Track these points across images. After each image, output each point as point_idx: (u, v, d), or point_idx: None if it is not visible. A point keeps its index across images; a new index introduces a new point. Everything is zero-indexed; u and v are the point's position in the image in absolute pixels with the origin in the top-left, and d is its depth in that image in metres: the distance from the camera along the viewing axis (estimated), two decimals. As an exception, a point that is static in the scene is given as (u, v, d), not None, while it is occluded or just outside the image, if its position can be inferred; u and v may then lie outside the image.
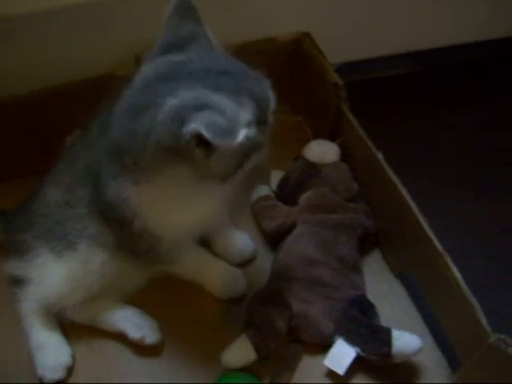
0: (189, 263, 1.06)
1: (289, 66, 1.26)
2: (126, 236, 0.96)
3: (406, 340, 0.97)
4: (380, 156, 1.09)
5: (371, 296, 1.07)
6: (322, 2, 1.31)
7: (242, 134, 0.77)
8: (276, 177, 1.23)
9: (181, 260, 1.03)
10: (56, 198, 1.02)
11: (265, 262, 1.15)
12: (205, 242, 1.13)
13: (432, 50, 1.46)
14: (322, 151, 1.19)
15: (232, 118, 0.75)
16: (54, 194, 1.02)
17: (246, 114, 0.79)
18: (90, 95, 1.18)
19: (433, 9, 1.39)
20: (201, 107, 0.75)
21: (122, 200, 0.90)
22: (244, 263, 1.15)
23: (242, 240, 1.16)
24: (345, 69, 1.23)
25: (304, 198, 1.15)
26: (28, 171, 1.22)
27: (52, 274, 1.01)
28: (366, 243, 1.16)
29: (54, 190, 1.03)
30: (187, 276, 1.07)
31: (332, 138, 1.22)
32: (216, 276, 1.09)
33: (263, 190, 1.21)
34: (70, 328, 1.06)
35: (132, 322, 1.03)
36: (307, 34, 1.26)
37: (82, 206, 0.99)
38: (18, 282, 1.05)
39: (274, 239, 1.15)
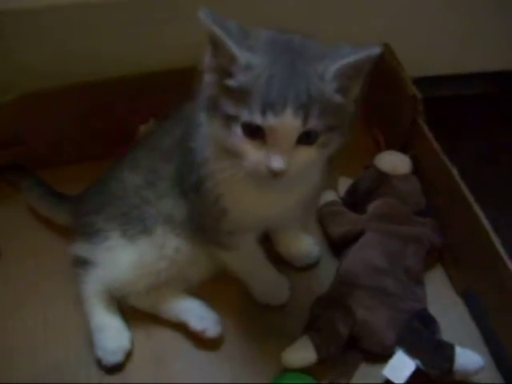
0: (240, 258, 1.03)
1: (367, 75, 1.26)
2: (198, 207, 0.95)
3: (469, 357, 0.96)
4: (455, 172, 1.08)
5: (431, 311, 1.06)
6: (402, 14, 1.30)
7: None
8: (344, 183, 1.24)
9: (237, 249, 1.00)
10: (135, 181, 1.03)
11: (327, 268, 1.15)
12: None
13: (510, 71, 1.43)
14: (394, 162, 1.18)
15: None
16: (133, 177, 1.04)
17: None
18: (167, 87, 1.23)
19: None
20: None
21: (205, 162, 0.89)
22: (306, 267, 1.15)
23: (308, 244, 1.16)
24: (420, 83, 1.21)
25: (373, 206, 1.15)
26: (94, 155, 1.28)
27: (121, 259, 1.02)
28: (430, 258, 1.14)
29: (133, 175, 1.04)
30: (235, 272, 1.06)
31: (403, 150, 1.22)
32: (260, 281, 1.08)
33: (330, 196, 1.21)
34: (130, 313, 1.08)
35: (195, 314, 1.04)
36: (386, 45, 1.25)
37: (162, 183, 1.00)
38: (82, 263, 1.07)
39: (339, 245, 1.15)
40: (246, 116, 0.74)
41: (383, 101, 1.26)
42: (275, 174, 0.75)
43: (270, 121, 0.73)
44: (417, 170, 1.20)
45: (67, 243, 1.11)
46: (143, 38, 1.27)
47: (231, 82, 0.75)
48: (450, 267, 1.15)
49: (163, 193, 1.00)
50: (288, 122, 0.73)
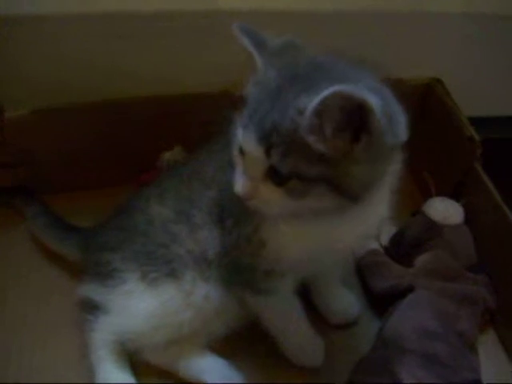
0: (275, 307, 0.90)
1: (416, 112, 1.15)
2: (234, 238, 0.84)
3: None
4: (517, 224, 0.97)
5: (484, 381, 0.94)
6: (455, 49, 1.21)
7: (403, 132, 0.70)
8: (386, 231, 1.12)
9: (274, 295, 0.87)
10: (164, 214, 0.91)
11: (367, 326, 1.03)
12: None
13: None
14: (446, 210, 1.08)
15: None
16: (161, 210, 0.92)
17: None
18: (194, 110, 1.13)
19: None
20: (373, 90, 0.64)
21: None
22: (344, 325, 1.03)
23: (348, 300, 1.04)
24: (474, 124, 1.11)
25: (422, 259, 1.04)
26: (111, 182, 1.19)
27: (139, 306, 0.89)
28: (481, 321, 1.02)
29: (161, 207, 0.92)
30: (267, 324, 0.92)
31: (455, 196, 1.11)
32: (294, 338, 0.94)
33: (372, 244, 1.10)
34: (142, 369, 0.95)
35: (218, 375, 0.92)
36: (439, 81, 1.16)
37: (198, 212, 0.89)
38: (92, 308, 0.94)
39: (382, 301, 1.03)
40: (237, 131, 0.71)
41: (434, 142, 1.16)
42: (242, 198, 0.72)
43: (241, 142, 0.70)
44: (470, 219, 1.09)
45: (74, 282, 1.00)
46: (170, 55, 1.18)
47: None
48: (505, 332, 1.04)
49: (199, 223, 0.88)
50: (252, 148, 0.68)
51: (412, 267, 1.03)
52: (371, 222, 0.81)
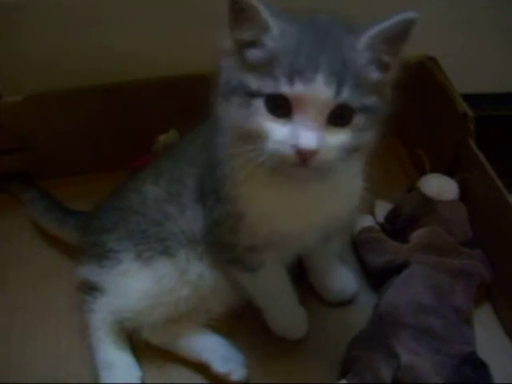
0: (259, 281, 0.90)
1: (410, 89, 1.15)
2: (215, 214, 0.83)
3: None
4: (511, 199, 0.97)
5: (479, 354, 0.95)
6: (451, 27, 1.20)
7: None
8: (381, 208, 1.13)
9: (257, 271, 0.88)
10: (157, 194, 0.92)
11: (363, 301, 1.04)
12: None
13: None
14: (440, 187, 1.08)
15: None
16: (154, 190, 0.93)
17: None
18: (189, 93, 1.13)
19: None
20: None
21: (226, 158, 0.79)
22: (341, 304, 1.04)
23: (346, 278, 1.05)
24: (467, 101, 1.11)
25: (417, 235, 1.04)
26: (108, 166, 1.19)
27: (135, 285, 0.91)
28: (477, 294, 1.03)
29: (154, 187, 0.93)
30: (254, 297, 0.93)
31: (449, 173, 1.11)
32: (276, 311, 0.95)
33: (367, 221, 1.11)
34: (141, 349, 0.96)
35: (218, 354, 0.93)
36: (432, 59, 1.15)
37: (186, 192, 0.89)
38: (90, 289, 0.95)
39: (378, 277, 1.04)
40: (270, 87, 0.65)
41: (428, 119, 1.16)
42: (304, 157, 0.65)
43: (299, 89, 0.64)
44: (464, 195, 1.09)
45: (74, 264, 1.00)
46: (167, 38, 1.17)
47: (255, 53, 0.68)
48: (501, 306, 1.04)
49: (187, 203, 0.89)
50: (319, 90, 0.64)
51: (407, 243, 1.04)
52: (346, 194, 0.82)
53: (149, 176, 0.96)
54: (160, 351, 0.96)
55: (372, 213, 1.13)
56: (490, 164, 1.04)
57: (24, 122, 1.10)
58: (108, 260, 0.93)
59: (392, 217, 1.10)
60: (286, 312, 0.96)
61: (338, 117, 0.66)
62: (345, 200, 0.83)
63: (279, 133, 0.66)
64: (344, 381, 0.88)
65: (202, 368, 0.93)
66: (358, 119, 0.67)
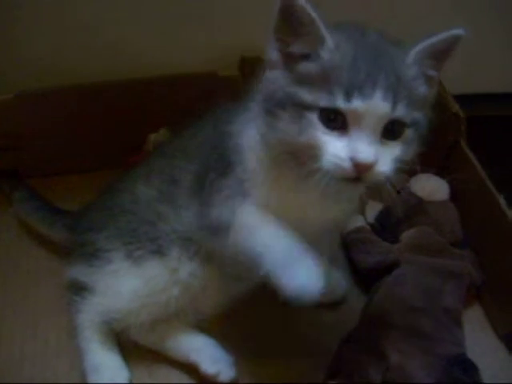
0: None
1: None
2: (215, 189, 0.81)
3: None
4: (502, 200, 0.97)
5: (469, 355, 0.94)
6: (442, 27, 1.20)
7: None
8: (372, 208, 1.13)
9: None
10: (150, 194, 0.91)
11: (354, 302, 1.04)
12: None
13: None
14: (431, 187, 1.08)
15: None
16: (147, 190, 0.92)
17: None
18: (179, 92, 1.12)
19: None
20: None
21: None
22: (330, 305, 1.03)
23: (335, 279, 1.04)
24: (459, 101, 1.11)
25: (407, 235, 1.04)
26: (98, 165, 1.19)
27: (124, 285, 0.89)
28: (467, 296, 1.03)
29: (147, 187, 0.92)
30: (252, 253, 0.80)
31: (440, 174, 1.11)
32: (282, 261, 0.81)
33: (358, 221, 1.10)
34: (130, 349, 0.95)
35: (207, 354, 0.92)
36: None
37: (182, 191, 0.87)
38: (79, 288, 0.94)
39: (368, 278, 1.04)
40: (325, 101, 0.65)
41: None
42: (361, 171, 0.65)
43: (357, 104, 0.64)
44: (455, 196, 1.09)
45: (62, 264, 1.00)
46: (157, 37, 1.17)
47: (309, 66, 0.67)
48: (491, 307, 1.05)
49: (180, 202, 0.88)
50: (378, 106, 0.65)
51: (398, 243, 1.04)
52: (343, 208, 0.81)
53: (140, 175, 0.95)
54: (148, 352, 0.95)
55: (363, 213, 1.13)
56: (481, 164, 1.05)
57: (13, 120, 1.09)
58: (97, 259, 0.92)
59: (382, 217, 1.10)
60: (292, 259, 0.73)
61: (390, 131, 0.67)
62: (346, 206, 0.82)
63: (336, 146, 0.66)
64: (333, 382, 0.87)
65: (190, 369, 0.92)
66: (408, 133, 0.69)
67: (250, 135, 0.77)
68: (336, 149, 0.65)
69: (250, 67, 1.10)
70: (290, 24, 0.67)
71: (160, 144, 1.07)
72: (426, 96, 0.71)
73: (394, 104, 0.65)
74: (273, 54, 0.70)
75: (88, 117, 1.15)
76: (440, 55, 0.70)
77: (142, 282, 0.88)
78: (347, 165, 0.65)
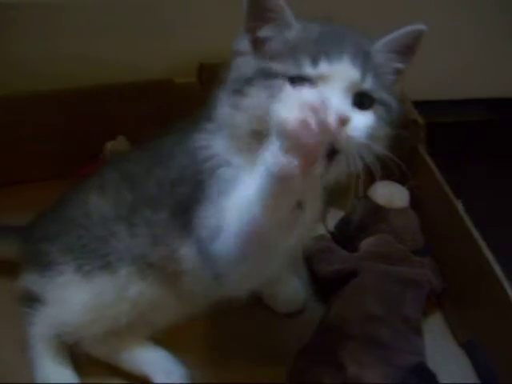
0: None
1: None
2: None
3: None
4: (460, 206, 0.97)
5: (429, 363, 0.93)
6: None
7: None
8: (333, 216, 1.12)
9: None
10: (103, 210, 0.88)
11: (313, 311, 1.02)
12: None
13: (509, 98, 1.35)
14: (391, 194, 1.07)
15: None
16: (100, 205, 0.89)
17: None
18: (137, 99, 1.11)
19: None
20: None
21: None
22: (290, 314, 1.02)
23: (294, 288, 1.03)
24: (419, 108, 1.11)
25: (366, 243, 1.03)
26: (53, 175, 1.16)
27: (74, 298, 0.87)
28: (427, 303, 1.03)
29: (101, 201, 0.89)
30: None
31: (400, 180, 1.10)
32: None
33: (318, 229, 1.08)
34: (83, 361, 0.93)
35: (160, 366, 0.90)
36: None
37: (147, 229, 0.85)
38: (31, 300, 0.92)
39: (327, 286, 1.02)
40: (293, 69, 0.67)
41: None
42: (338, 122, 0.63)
43: (324, 68, 0.67)
44: (415, 203, 1.08)
45: (14, 276, 0.96)
46: (118, 44, 1.15)
47: (277, 44, 0.70)
48: (451, 314, 1.04)
49: (137, 223, 0.85)
50: (346, 71, 0.67)
51: (357, 252, 1.03)
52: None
53: (94, 187, 0.92)
54: (102, 364, 0.93)
55: (324, 221, 1.12)
56: (440, 170, 1.04)
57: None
58: (50, 270, 0.90)
59: (342, 225, 1.10)
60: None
61: (360, 103, 0.69)
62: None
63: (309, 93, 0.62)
64: (288, 394, 0.86)
65: (144, 381, 0.90)
66: (379, 109, 0.70)
67: (219, 144, 0.77)
68: (310, 94, 0.61)
69: (208, 74, 1.09)
70: (258, 12, 0.70)
71: (116, 154, 1.05)
72: (393, 85, 0.74)
73: (363, 74, 0.67)
74: (242, 44, 0.73)
75: (42, 125, 1.12)
76: (404, 49, 0.73)
77: (91, 296, 0.86)
78: (322, 115, 0.60)
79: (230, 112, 0.73)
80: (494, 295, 0.90)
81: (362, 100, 0.69)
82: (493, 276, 0.90)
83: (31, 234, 0.97)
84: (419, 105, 1.11)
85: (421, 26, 0.72)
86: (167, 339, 0.94)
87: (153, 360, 0.91)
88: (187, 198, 0.79)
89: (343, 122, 0.64)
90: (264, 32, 0.71)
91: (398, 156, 1.10)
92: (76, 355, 0.92)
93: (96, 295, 0.86)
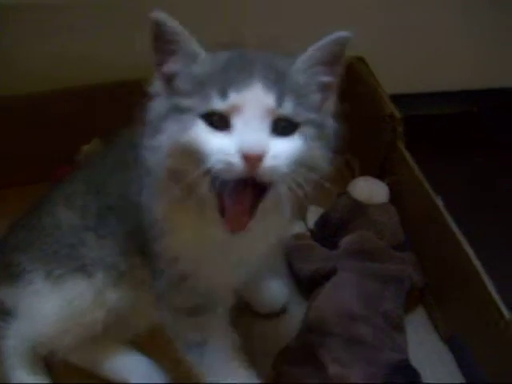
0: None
1: (339, 92, 1.14)
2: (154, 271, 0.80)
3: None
4: (439, 201, 0.96)
5: (413, 360, 0.94)
6: (379, 28, 1.19)
7: None
8: (313, 213, 1.11)
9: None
10: (71, 220, 0.86)
11: (295, 311, 1.01)
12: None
13: (488, 90, 1.34)
14: (370, 190, 1.06)
15: None
16: (69, 215, 0.87)
17: None
18: (113, 100, 1.09)
19: (495, 48, 1.31)
20: None
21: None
22: (272, 315, 1.01)
23: (275, 288, 1.01)
24: (397, 101, 1.10)
25: (346, 241, 1.02)
26: (27, 179, 1.14)
27: (46, 307, 0.85)
28: (410, 299, 1.02)
29: (69, 212, 0.87)
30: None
31: (380, 176, 1.09)
32: None
33: (298, 228, 1.09)
34: (61, 369, 0.91)
35: (139, 372, 0.90)
36: (361, 59, 1.14)
37: (113, 238, 0.83)
38: (4, 313, 0.89)
39: (308, 285, 1.01)
40: (202, 105, 0.63)
41: (357, 120, 1.13)
42: (251, 162, 0.60)
43: (233, 98, 0.62)
44: (394, 198, 1.07)
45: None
46: (92, 43, 1.14)
47: (186, 80, 0.66)
48: (434, 310, 1.03)
49: (104, 234, 0.84)
50: (258, 97, 0.62)
51: (337, 249, 1.02)
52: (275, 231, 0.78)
53: (63, 195, 0.90)
54: (79, 370, 0.91)
55: (303, 219, 1.11)
56: (420, 164, 1.03)
57: None
58: (21, 281, 0.87)
59: (322, 222, 1.08)
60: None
61: (282, 129, 0.63)
62: (273, 237, 0.79)
63: (222, 143, 0.62)
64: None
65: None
66: (305, 130, 0.65)
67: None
68: (223, 145, 0.61)
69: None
70: (162, 45, 0.66)
71: (88, 158, 1.03)
72: (323, 101, 0.68)
73: (279, 99, 0.62)
74: (155, 84, 0.69)
75: (17, 130, 1.11)
76: (331, 60, 0.67)
77: (65, 302, 0.84)
78: (236, 160, 0.60)
79: (148, 155, 0.68)
80: (475, 290, 0.90)
81: (283, 125, 0.64)
82: (473, 271, 0.89)
83: (4, 244, 0.94)
84: (397, 98, 1.09)
85: (344, 33, 0.66)
86: (145, 343, 0.93)
87: (131, 365, 0.90)
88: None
89: (258, 158, 0.60)
90: (168, 67, 0.67)
91: (376, 152, 1.11)
92: (52, 363, 0.90)
93: (70, 301, 0.84)
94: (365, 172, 1.12)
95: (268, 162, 0.61)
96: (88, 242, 0.84)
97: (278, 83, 0.63)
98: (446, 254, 0.97)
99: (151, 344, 0.93)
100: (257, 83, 0.62)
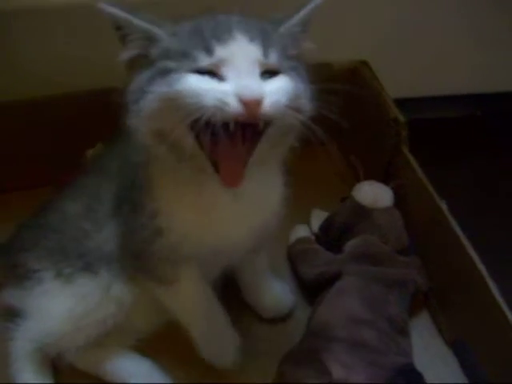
0: (179, 297, 0.85)
1: (342, 96, 1.14)
2: (130, 226, 0.79)
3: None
4: (444, 205, 0.96)
5: (417, 363, 0.93)
6: (383, 32, 1.20)
7: None
8: (317, 217, 1.11)
9: (174, 283, 0.82)
10: (75, 209, 0.88)
11: (299, 315, 1.02)
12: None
13: (492, 94, 1.34)
14: (374, 194, 1.05)
15: None
16: (73, 206, 0.88)
17: None
18: (117, 105, 1.09)
19: (498, 52, 1.31)
20: None
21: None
22: (277, 320, 1.01)
23: (281, 292, 1.01)
24: (401, 105, 1.10)
25: (350, 244, 1.02)
26: (30, 183, 1.15)
27: (57, 306, 0.86)
28: (414, 302, 1.02)
29: (74, 203, 0.89)
30: (176, 316, 0.87)
31: (384, 180, 1.09)
32: (202, 332, 0.88)
33: (302, 231, 1.09)
34: (67, 374, 0.91)
35: (144, 377, 0.89)
36: (365, 63, 1.14)
37: (102, 207, 0.84)
38: (13, 315, 0.90)
39: (313, 289, 1.01)
40: (188, 65, 0.62)
41: (361, 125, 1.14)
42: (251, 107, 0.59)
43: (221, 53, 0.62)
44: (399, 202, 1.07)
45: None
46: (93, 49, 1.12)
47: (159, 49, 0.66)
48: (438, 314, 1.03)
49: (102, 221, 0.85)
50: (245, 48, 0.62)
51: (341, 253, 1.02)
52: (262, 214, 0.79)
53: (69, 192, 0.92)
54: (85, 376, 0.91)
55: (309, 222, 1.11)
56: (424, 168, 1.03)
57: None
58: (29, 281, 0.88)
59: (326, 226, 1.08)
60: (212, 335, 0.89)
61: (267, 79, 0.64)
62: (269, 206, 0.80)
63: (216, 85, 0.61)
64: (275, 399, 0.85)
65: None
66: (287, 74, 0.65)
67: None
68: (218, 86, 0.61)
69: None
70: (123, 35, 0.67)
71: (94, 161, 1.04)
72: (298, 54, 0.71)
73: (265, 50, 0.63)
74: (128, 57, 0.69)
75: (24, 134, 1.11)
76: (306, 23, 0.71)
77: (76, 300, 0.85)
78: (232, 100, 0.59)
79: (133, 122, 0.67)
80: (479, 294, 0.90)
81: (268, 76, 0.64)
82: (477, 275, 0.89)
83: (10, 246, 0.95)
84: (401, 102, 1.09)
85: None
86: (150, 348, 0.93)
87: (137, 371, 0.90)
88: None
89: (258, 102, 0.60)
90: (129, 53, 0.68)
91: (380, 156, 1.11)
92: (59, 368, 0.91)
93: (81, 299, 0.85)
94: (369, 176, 1.11)
95: (268, 102, 0.61)
96: (89, 232, 0.85)
97: (261, 37, 0.63)
98: (451, 258, 0.97)
99: (156, 349, 0.93)
100: (240, 36, 0.62)
